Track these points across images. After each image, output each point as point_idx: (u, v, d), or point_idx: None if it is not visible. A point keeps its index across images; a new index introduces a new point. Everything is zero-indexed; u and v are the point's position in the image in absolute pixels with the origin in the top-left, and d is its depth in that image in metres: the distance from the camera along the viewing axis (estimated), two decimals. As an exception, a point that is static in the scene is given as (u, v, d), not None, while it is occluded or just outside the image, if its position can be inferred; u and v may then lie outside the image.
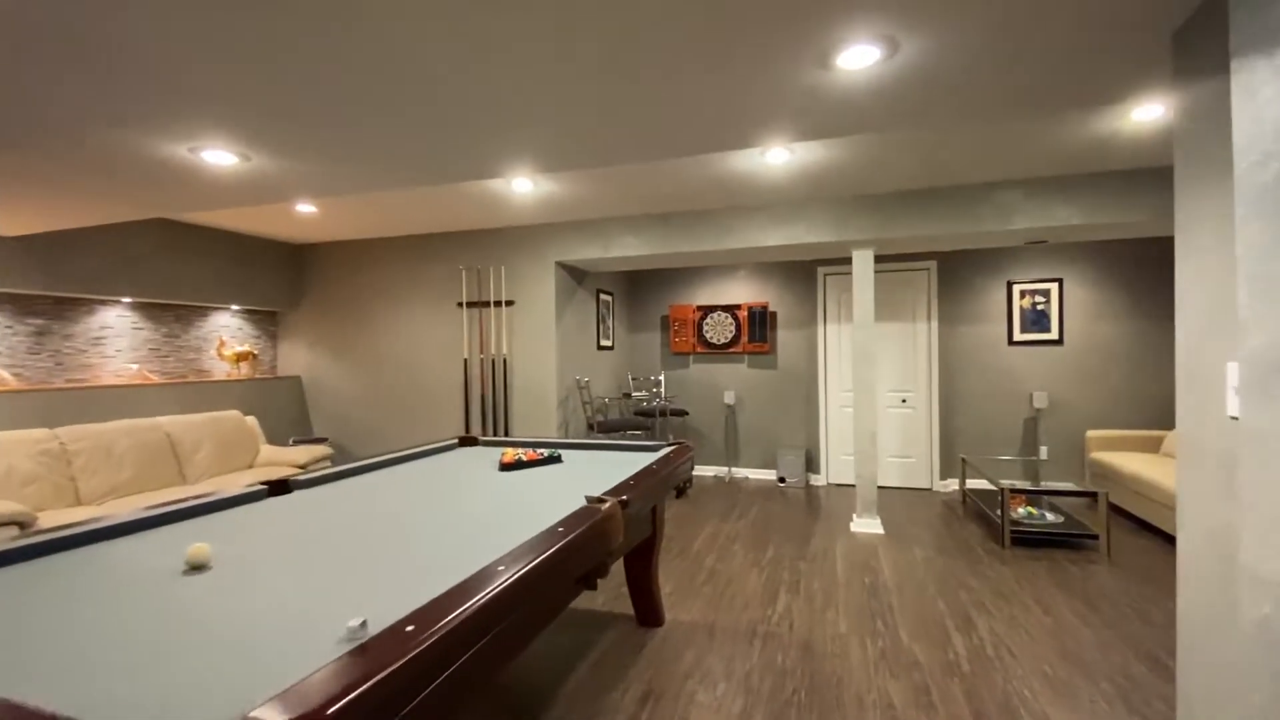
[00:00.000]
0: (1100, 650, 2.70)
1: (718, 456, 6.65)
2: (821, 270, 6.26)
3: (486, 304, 5.31)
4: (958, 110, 2.30)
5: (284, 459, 4.83)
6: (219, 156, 2.62)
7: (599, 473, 2.54)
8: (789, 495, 5.78)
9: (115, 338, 4.68)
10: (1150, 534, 4.38)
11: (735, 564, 3.86)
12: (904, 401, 5.99)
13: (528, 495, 2.17)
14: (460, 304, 5.37)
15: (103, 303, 4.59)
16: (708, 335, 6.62)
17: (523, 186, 4.02)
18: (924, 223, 4.24)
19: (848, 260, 6.18)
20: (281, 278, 5.81)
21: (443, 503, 2.09)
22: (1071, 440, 5.65)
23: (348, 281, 5.76)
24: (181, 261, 4.89)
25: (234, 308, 5.55)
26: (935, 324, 5.88)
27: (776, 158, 3.47)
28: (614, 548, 1.90)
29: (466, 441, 3.44)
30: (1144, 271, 5.47)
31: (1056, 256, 5.69)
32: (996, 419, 5.81)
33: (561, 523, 1.69)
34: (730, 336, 6.53)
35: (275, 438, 5.58)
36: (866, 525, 4.55)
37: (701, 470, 6.71)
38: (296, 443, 5.43)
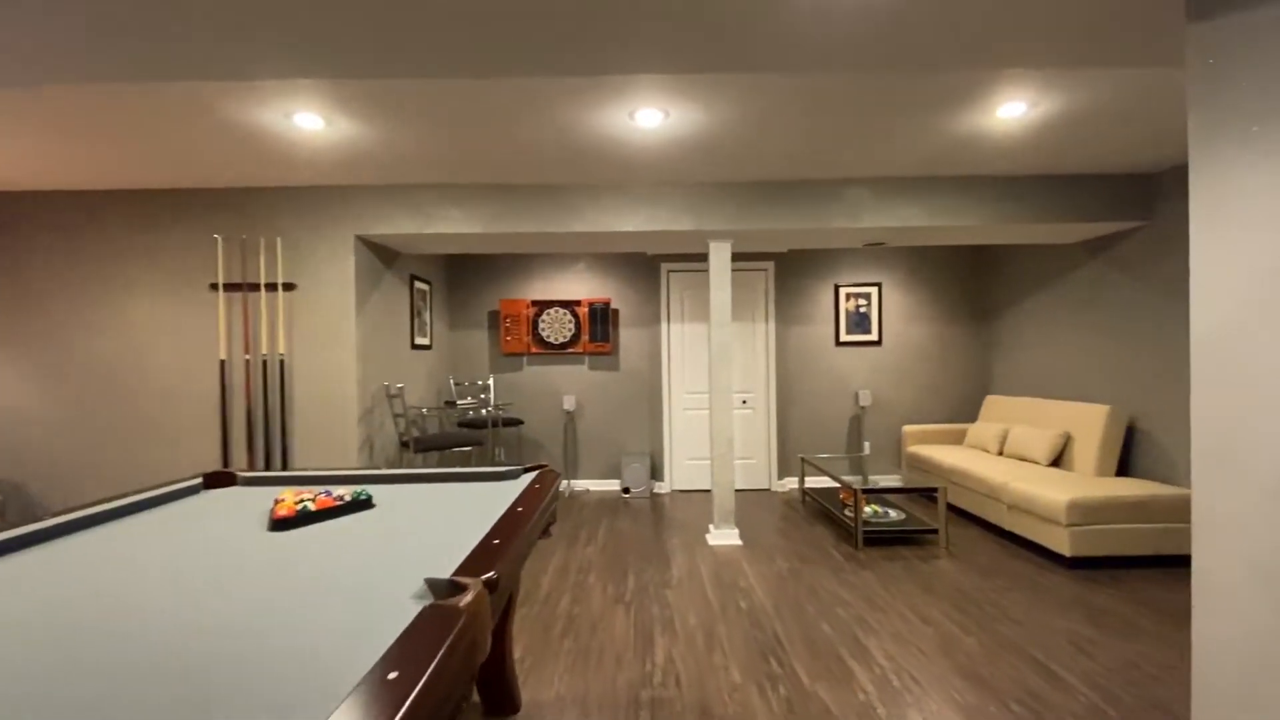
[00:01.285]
0: (991, 662, 2.57)
1: (556, 468, 5.95)
2: (666, 266, 5.92)
3: (256, 287, 4.01)
4: (891, 57, 1.94)
5: None
6: None
7: (434, 522, 1.73)
8: (635, 507, 5.31)
9: None
10: (969, 522, 4.68)
11: (595, 603, 3.22)
12: (744, 403, 5.88)
13: (319, 578, 1.30)
14: (215, 285, 3.99)
15: None
16: (544, 334, 5.91)
17: (310, 124, 2.97)
18: (780, 216, 4.03)
19: (693, 257, 5.92)
20: (-97, 238, 3.85)
21: (151, 610, 1.15)
22: (890, 435, 5.99)
23: (38, 253, 4.00)
24: None
25: None
26: (773, 325, 5.86)
27: (649, 120, 2.93)
28: (481, 659, 1.15)
29: (217, 481, 2.34)
30: (950, 279, 6.00)
31: (877, 262, 6.01)
32: (826, 417, 5.96)
33: (392, 657, 0.90)
34: (569, 335, 5.90)
35: (-114, 481, 3.64)
36: (725, 537, 4.23)
37: (536, 485, 5.95)
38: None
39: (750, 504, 5.37)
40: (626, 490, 5.65)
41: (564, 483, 5.96)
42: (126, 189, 3.99)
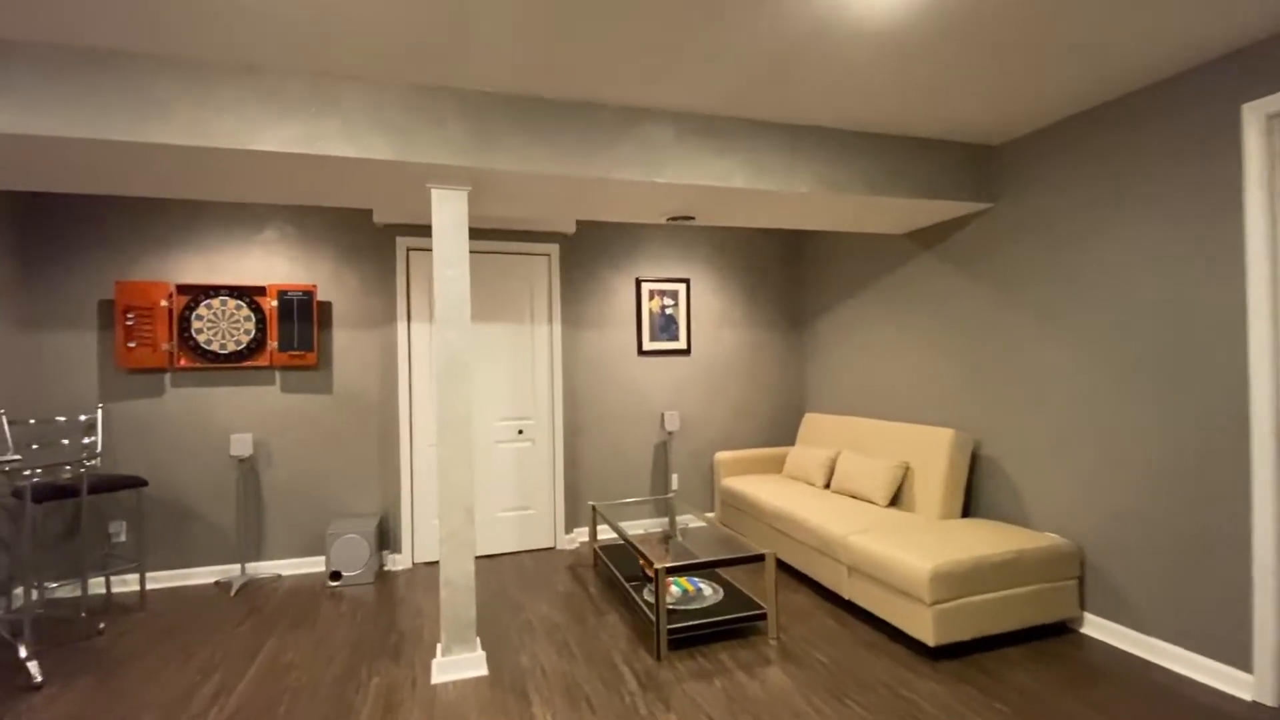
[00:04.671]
0: None
1: (224, 549, 3.85)
2: (405, 241, 4.16)
3: None
4: None
5: None
6: None
7: None
8: (346, 602, 3.47)
9: None
10: (799, 583, 3.64)
11: None
12: (520, 433, 4.34)
13: None
14: None
15: None
16: (200, 338, 3.78)
17: None
18: (540, 152, 2.58)
19: (441, 231, 4.22)
20: None
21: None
22: (702, 465, 4.88)
23: None
24: None
25: None
26: (559, 327, 4.41)
27: None
28: None
29: None
30: (763, 274, 5.08)
31: (685, 251, 4.88)
32: (626, 447, 4.67)
33: None
34: (249, 340, 3.85)
35: None
36: (459, 667, 2.62)
37: (189, 577, 3.80)
38: None
39: (522, 577, 3.83)
40: (336, 575, 3.76)
41: (237, 567, 3.87)
42: None
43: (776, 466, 4.72)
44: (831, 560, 3.22)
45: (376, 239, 4.14)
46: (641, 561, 3.21)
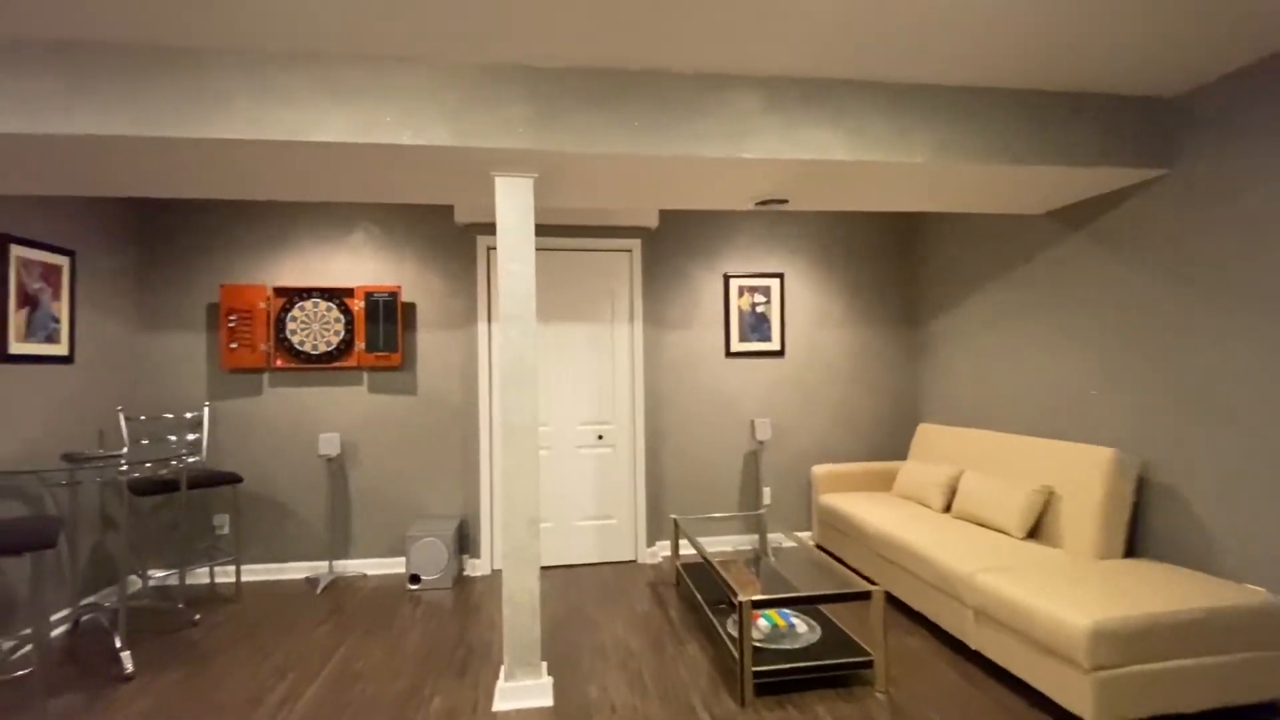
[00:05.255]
0: None
1: (314, 546, 3.93)
2: (484, 240, 4.08)
3: None
4: None
5: None
6: None
7: None
8: (424, 607, 3.40)
9: None
10: (912, 623, 3.14)
11: None
12: (600, 439, 4.13)
13: None
14: None
15: None
16: (294, 339, 3.89)
17: None
18: (609, 130, 2.32)
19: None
20: None
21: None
22: (797, 478, 4.43)
23: None
24: None
25: None
26: (640, 328, 4.16)
27: None
28: None
29: None
30: (871, 265, 4.55)
31: (777, 244, 4.46)
32: (713, 456, 4.33)
33: None
34: (338, 341, 3.92)
35: None
36: (521, 694, 2.41)
37: (282, 572, 3.90)
38: None
39: (601, 592, 3.60)
40: (415, 579, 3.71)
41: (326, 564, 3.94)
42: None
43: (884, 484, 4.19)
44: (954, 600, 2.71)
45: (458, 239, 4.09)
46: (725, 589, 2.86)
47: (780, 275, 4.43)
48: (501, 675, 2.45)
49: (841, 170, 2.58)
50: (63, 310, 3.18)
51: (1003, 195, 2.99)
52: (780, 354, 4.43)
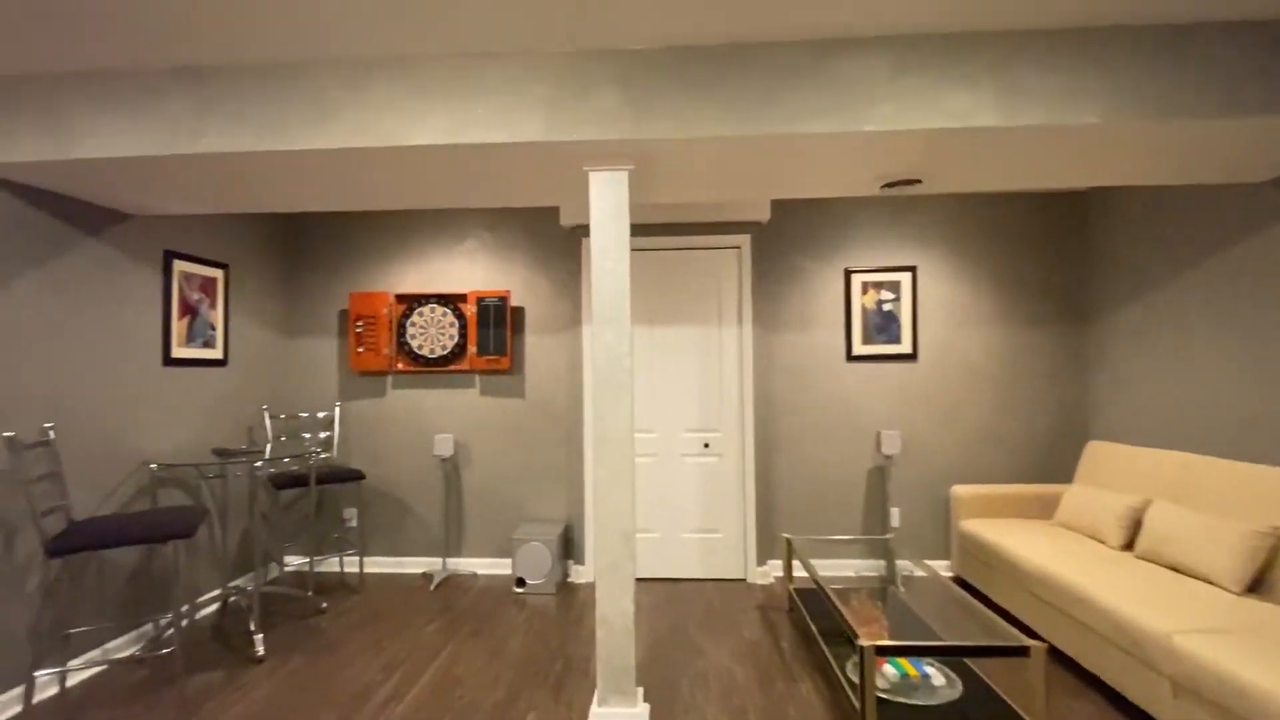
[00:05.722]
0: None
1: (430, 543, 4.08)
2: (589, 244, 4.01)
3: None
4: None
5: None
6: None
7: None
8: (529, 610, 3.38)
9: None
10: (1080, 682, 2.59)
11: None
12: (706, 447, 3.90)
13: None
14: None
15: None
16: (413, 343, 4.06)
17: None
18: (708, 111, 2.10)
19: (639, 226, 3.96)
20: None
21: None
22: (932, 499, 3.92)
23: None
24: None
25: None
26: (750, 330, 3.88)
27: None
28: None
29: None
30: (1027, 254, 3.93)
31: (909, 233, 3.98)
32: (831, 470, 3.94)
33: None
34: (453, 345, 4.04)
35: None
36: (616, 722, 2.26)
37: (402, 565, 4.08)
38: None
39: (705, 613, 3.37)
40: (520, 582, 3.71)
41: (439, 561, 4.06)
42: None
43: (1041, 510, 3.58)
44: (1142, 664, 2.18)
45: (564, 242, 4.06)
46: (845, 626, 2.52)
47: (912, 269, 3.95)
48: (595, 700, 2.31)
49: (990, 140, 2.16)
50: (218, 318, 3.52)
51: (1208, 160, 2.38)
52: (911, 357, 3.94)
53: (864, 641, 2.05)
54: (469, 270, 4.11)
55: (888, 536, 3.53)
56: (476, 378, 4.09)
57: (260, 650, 2.83)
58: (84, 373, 2.71)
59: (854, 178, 2.58)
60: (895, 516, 3.90)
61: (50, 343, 2.56)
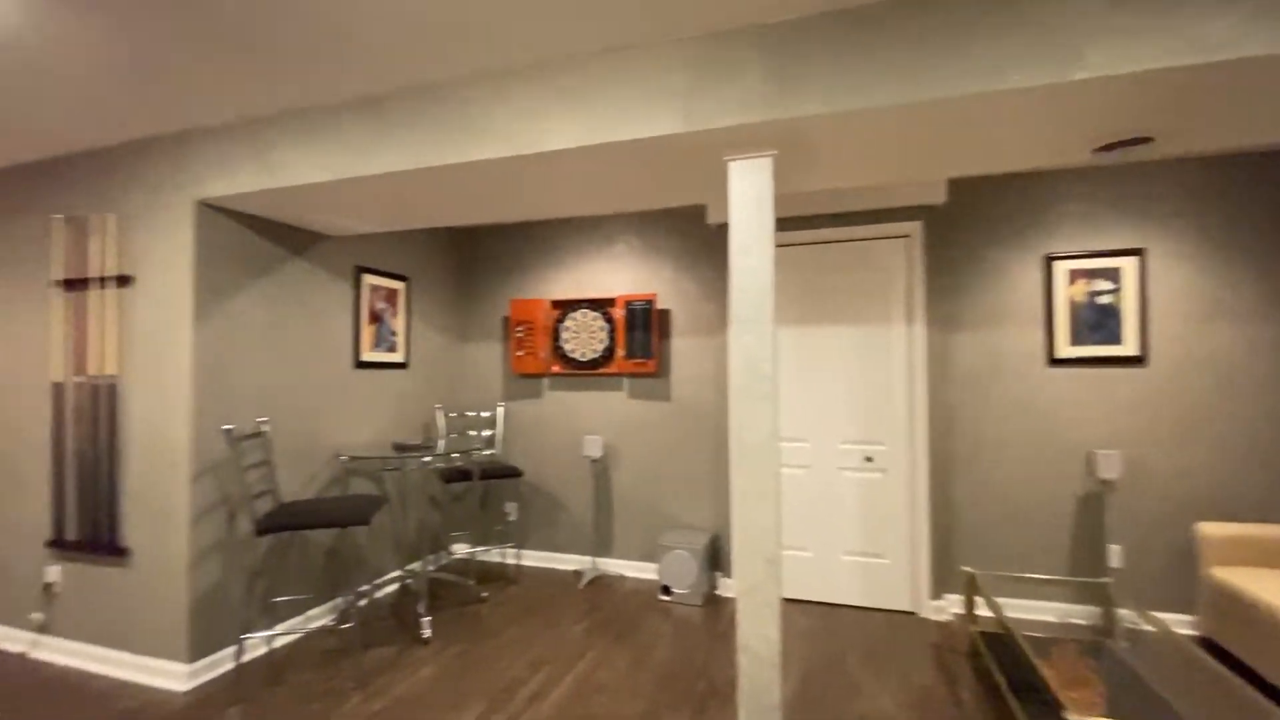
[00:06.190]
0: None
1: (581, 541, 4.17)
2: (737, 241, 3.82)
3: (86, 282, 2.91)
4: None
5: None
6: None
7: None
8: (670, 621, 3.30)
9: None
10: None
11: None
12: (869, 461, 3.51)
13: None
14: (58, 283, 2.96)
15: None
16: (567, 347, 4.19)
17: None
18: (863, 78, 1.82)
19: (788, 220, 3.72)
20: None
21: None
22: (1168, 538, 3.15)
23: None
24: None
25: None
26: (922, 329, 3.42)
27: None
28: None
29: None
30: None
31: (1131, 209, 3.24)
32: (1029, 495, 3.33)
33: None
34: (602, 349, 4.10)
35: None
36: (759, 761, 2.06)
37: (555, 561, 4.22)
38: None
39: (866, 646, 3.02)
40: (666, 590, 3.63)
41: (590, 560, 4.13)
42: (-19, 166, 3.15)
43: (1343, 563, 2.69)
44: None
45: (710, 241, 3.92)
46: (1046, 691, 2.05)
47: (1138, 252, 3.21)
48: (735, 732, 2.13)
49: (1260, 76, 1.62)
50: (399, 325, 3.91)
51: None
52: (1138, 360, 3.20)
53: (1073, 715, 1.64)
54: (617, 274, 4.14)
55: (1105, 580, 2.88)
56: (625, 381, 4.10)
57: (427, 632, 3.06)
58: (290, 374, 3.14)
59: (1059, 142, 2.11)
60: (1115, 555, 3.19)
61: (263, 348, 3.00)
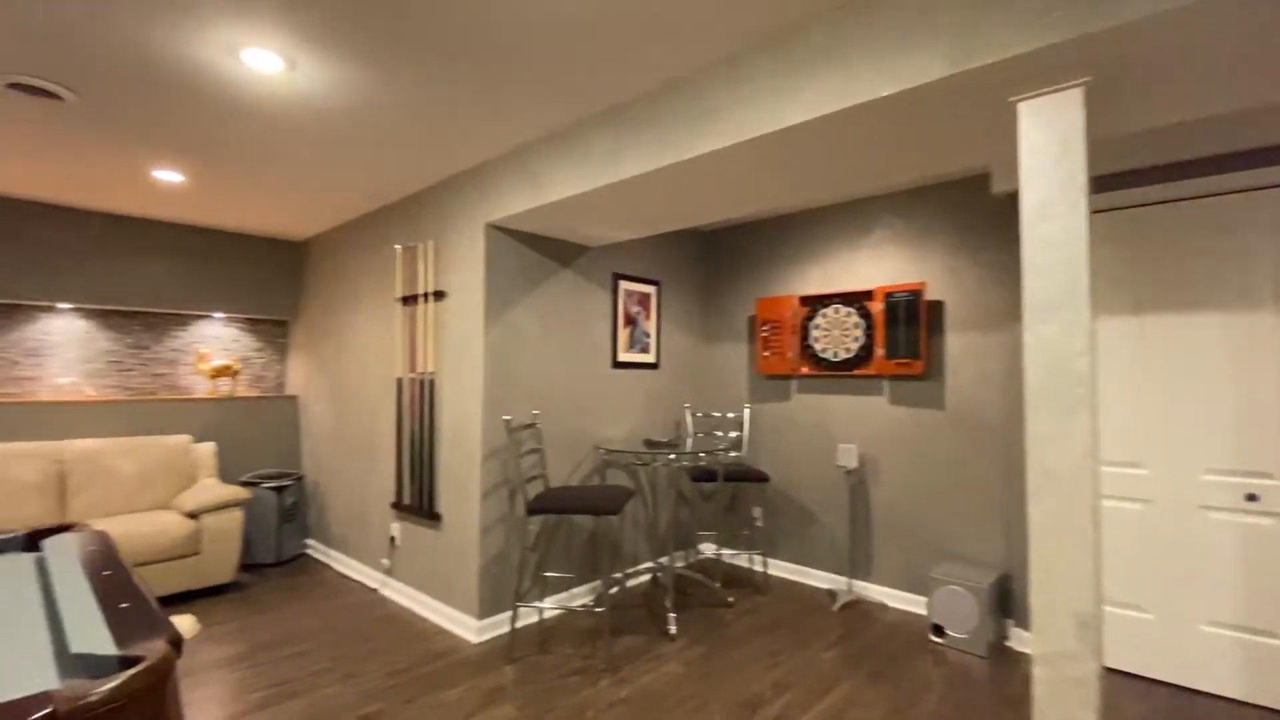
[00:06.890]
0: None
1: (833, 558, 3.83)
2: (1033, 213, 3.09)
3: (416, 298, 3.62)
4: None
5: (205, 500, 3.77)
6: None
7: None
8: (943, 668, 2.80)
9: (59, 348, 4.17)
10: None
11: None
12: (1251, 500, 2.50)
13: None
14: (400, 299, 3.76)
15: (44, 309, 4.12)
16: (817, 346, 3.90)
17: (267, 65, 2.23)
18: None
19: (1105, 178, 2.89)
20: (282, 280, 4.97)
21: None
22: None
23: (330, 278, 4.62)
24: (138, 261, 4.26)
25: (219, 316, 4.83)
26: (1356, 312, 2.31)
27: None
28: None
29: (43, 535, 1.74)
30: None
31: None
32: None
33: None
34: (857, 348, 3.73)
35: (244, 469, 4.67)
36: None
37: (805, 575, 3.95)
38: (244, 483, 4.45)
39: (1250, 762, 2.13)
40: (938, 630, 3.10)
41: (844, 581, 3.76)
42: (375, 208, 4.17)
43: None
44: None
45: (995, 215, 3.25)
46: None
47: None
48: (1031, 833, 1.66)
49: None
50: (651, 327, 4.08)
51: None
52: None
53: None
54: (876, 264, 3.71)
55: None
56: (884, 384, 3.65)
57: (673, 629, 3.10)
58: (559, 372, 3.48)
59: None
60: None
61: (537, 349, 3.37)
